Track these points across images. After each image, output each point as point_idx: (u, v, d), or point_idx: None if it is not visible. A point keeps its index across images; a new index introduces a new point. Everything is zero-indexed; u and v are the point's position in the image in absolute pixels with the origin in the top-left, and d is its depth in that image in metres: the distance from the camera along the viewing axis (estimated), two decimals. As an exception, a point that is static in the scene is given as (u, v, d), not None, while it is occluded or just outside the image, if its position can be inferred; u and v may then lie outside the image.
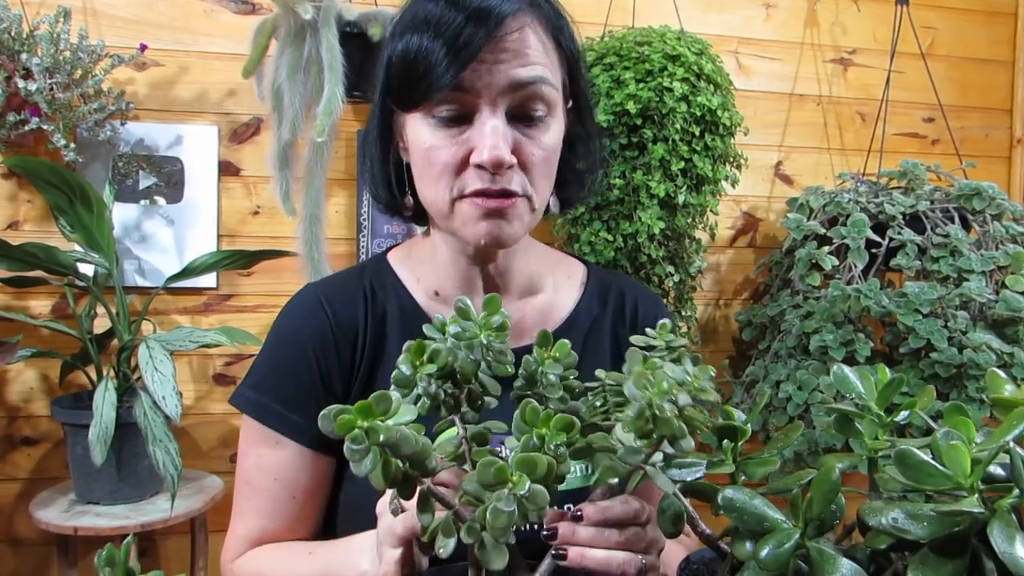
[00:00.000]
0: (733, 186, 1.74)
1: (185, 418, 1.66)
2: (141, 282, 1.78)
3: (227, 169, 1.82)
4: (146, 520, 1.51)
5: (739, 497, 0.63)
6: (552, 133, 0.85)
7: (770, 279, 1.99)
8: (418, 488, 0.59)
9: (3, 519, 1.75)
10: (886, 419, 0.71)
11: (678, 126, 1.56)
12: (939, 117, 2.12)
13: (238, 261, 1.64)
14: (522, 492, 0.52)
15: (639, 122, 1.57)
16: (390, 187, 0.91)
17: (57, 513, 1.54)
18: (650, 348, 0.68)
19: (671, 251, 1.69)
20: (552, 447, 0.56)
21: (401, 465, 0.57)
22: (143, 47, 1.64)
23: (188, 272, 1.62)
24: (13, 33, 1.47)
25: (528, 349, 0.74)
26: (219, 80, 1.80)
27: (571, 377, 0.65)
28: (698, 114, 1.58)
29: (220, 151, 1.81)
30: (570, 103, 0.90)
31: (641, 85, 1.56)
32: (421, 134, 0.83)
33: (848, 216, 1.74)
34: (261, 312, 1.84)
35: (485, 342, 0.61)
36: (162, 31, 1.77)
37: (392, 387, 0.65)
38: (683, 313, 1.78)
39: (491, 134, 0.79)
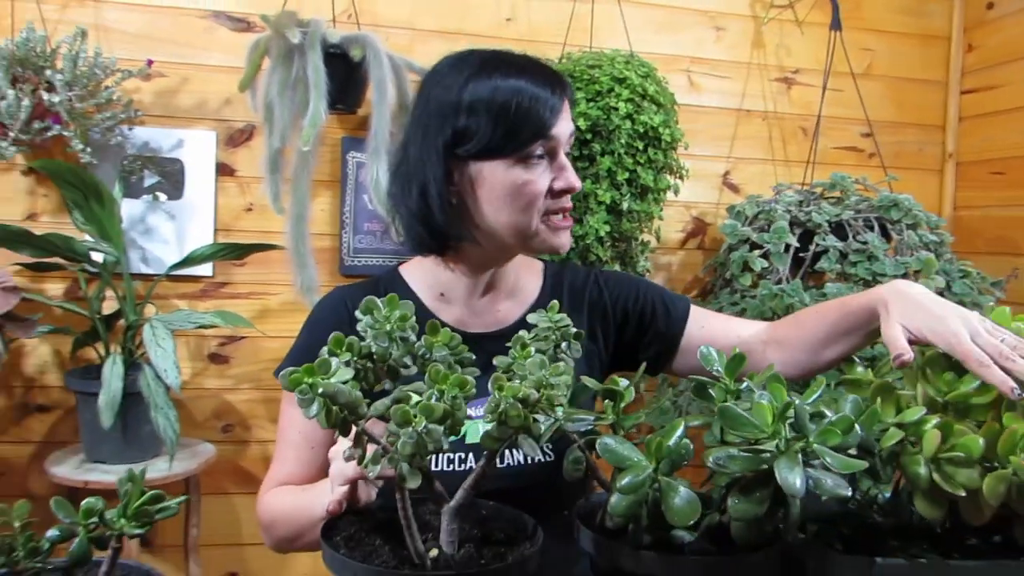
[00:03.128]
0: (675, 194, 1.94)
1: (182, 391, 1.86)
2: (145, 270, 1.98)
3: (223, 170, 2.03)
4: (147, 477, 1.71)
5: (611, 442, 0.83)
6: None
7: (715, 278, 2.20)
8: (353, 428, 0.79)
9: (19, 477, 1.96)
10: (732, 387, 0.91)
11: (623, 141, 1.77)
12: (875, 132, 2.33)
13: (232, 252, 1.86)
14: (421, 428, 0.72)
15: (589, 137, 1.78)
16: (449, 221, 1.11)
17: (69, 470, 1.75)
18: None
19: (620, 252, 1.90)
20: (449, 398, 0.76)
21: (339, 412, 0.77)
22: (150, 62, 1.84)
23: (188, 261, 1.83)
24: (38, 51, 1.67)
25: (506, 332, 1.06)
26: (217, 90, 2.01)
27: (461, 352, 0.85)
28: (641, 131, 1.79)
29: (217, 154, 2.02)
30: None
31: (591, 104, 1.77)
32: (510, 175, 1.08)
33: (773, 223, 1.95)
34: (252, 299, 2.05)
35: (388, 330, 0.81)
36: (166, 45, 1.98)
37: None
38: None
39: (571, 168, 1.11)
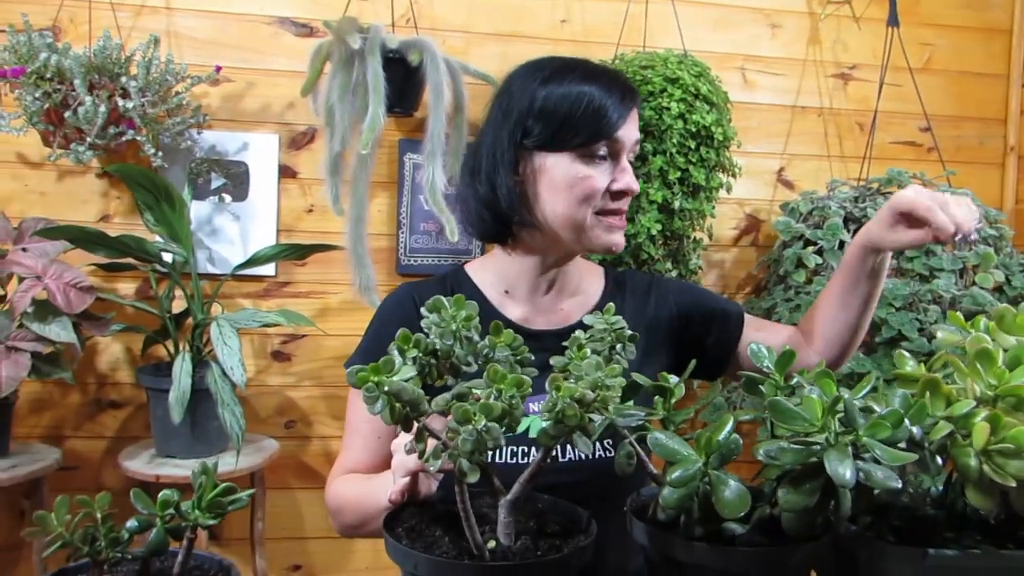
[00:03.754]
0: (728, 192, 1.95)
1: (247, 388, 1.93)
2: (211, 269, 2.06)
3: (286, 172, 2.10)
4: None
5: (662, 437, 0.85)
6: None
7: (768, 275, 2.19)
8: (415, 425, 0.82)
9: (93, 471, 2.05)
10: (782, 383, 0.93)
11: (675, 140, 1.78)
12: (934, 127, 2.30)
13: (295, 253, 1.92)
14: (480, 427, 0.75)
15: (641, 136, 1.79)
16: (512, 204, 1.18)
17: (142, 464, 1.82)
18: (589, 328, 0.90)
19: (672, 250, 1.91)
20: (507, 397, 0.78)
21: (402, 409, 0.80)
22: (218, 68, 1.92)
23: (252, 262, 1.90)
24: (114, 58, 1.76)
25: (568, 330, 1.06)
26: (281, 94, 2.07)
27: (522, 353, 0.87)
28: (693, 130, 1.80)
29: (280, 156, 2.08)
30: None
31: (643, 105, 1.78)
32: (572, 168, 1.14)
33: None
34: (313, 297, 2.11)
35: (454, 329, 0.84)
36: (232, 51, 2.05)
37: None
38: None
39: (630, 173, 1.17)
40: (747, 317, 1.33)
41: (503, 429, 0.77)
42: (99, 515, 0.84)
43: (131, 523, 0.84)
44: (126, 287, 2.05)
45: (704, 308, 1.32)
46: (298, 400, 2.12)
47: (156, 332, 1.93)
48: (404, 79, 1.80)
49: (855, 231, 1.94)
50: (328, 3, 2.06)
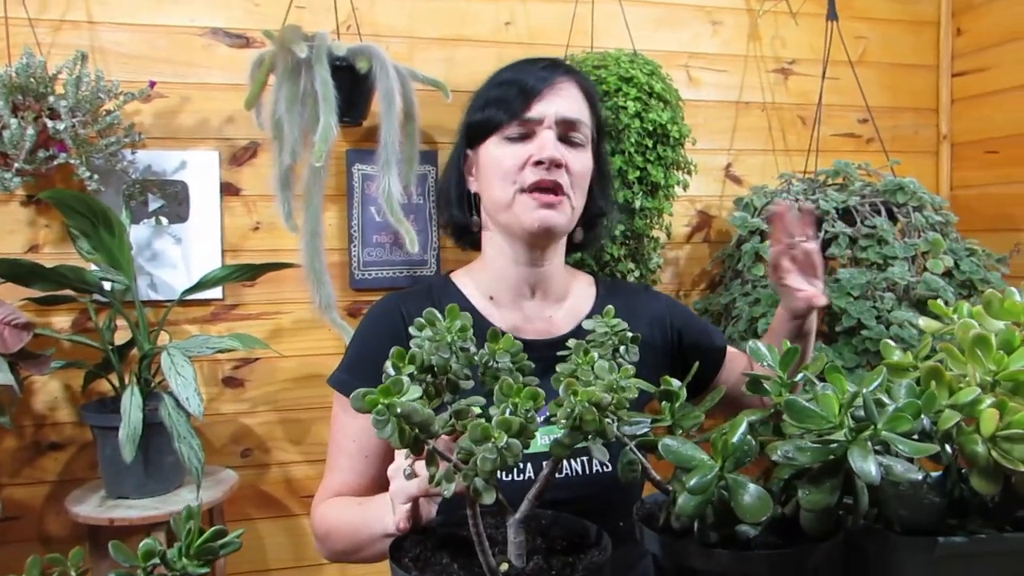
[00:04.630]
0: (684, 189, 1.94)
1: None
2: (154, 296, 1.95)
3: (228, 189, 2.00)
4: (173, 510, 1.68)
5: (674, 443, 0.83)
6: (587, 156, 1.18)
7: (723, 271, 2.20)
8: (426, 448, 0.78)
9: (36, 519, 1.90)
10: (787, 380, 0.92)
11: (633, 140, 1.77)
12: (872, 118, 2.35)
13: (246, 273, 1.83)
14: (502, 444, 0.71)
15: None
16: (462, 209, 1.23)
17: (92, 508, 1.70)
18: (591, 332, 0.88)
19: (632, 250, 1.90)
20: (523, 411, 0.75)
21: (411, 431, 0.76)
22: (152, 84, 1.82)
23: (201, 286, 1.79)
24: (38, 77, 1.64)
25: (559, 340, 1.07)
26: (218, 108, 1.98)
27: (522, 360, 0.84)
28: (650, 128, 1.79)
29: (221, 173, 1.99)
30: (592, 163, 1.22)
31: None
32: (493, 152, 1.16)
33: (786, 213, 1.95)
34: (264, 319, 2.02)
35: (449, 341, 0.80)
36: (164, 65, 1.95)
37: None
38: (645, 305, 1.99)
39: (549, 142, 1.13)
40: (730, 347, 1.36)
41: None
42: (74, 573, 0.78)
43: (111, 578, 0.77)
44: (61, 320, 1.93)
45: (695, 326, 1.34)
46: (254, 427, 2.03)
47: (98, 366, 1.81)
48: (352, 87, 1.74)
49: (809, 223, 1.96)
50: (262, 13, 1.98)
